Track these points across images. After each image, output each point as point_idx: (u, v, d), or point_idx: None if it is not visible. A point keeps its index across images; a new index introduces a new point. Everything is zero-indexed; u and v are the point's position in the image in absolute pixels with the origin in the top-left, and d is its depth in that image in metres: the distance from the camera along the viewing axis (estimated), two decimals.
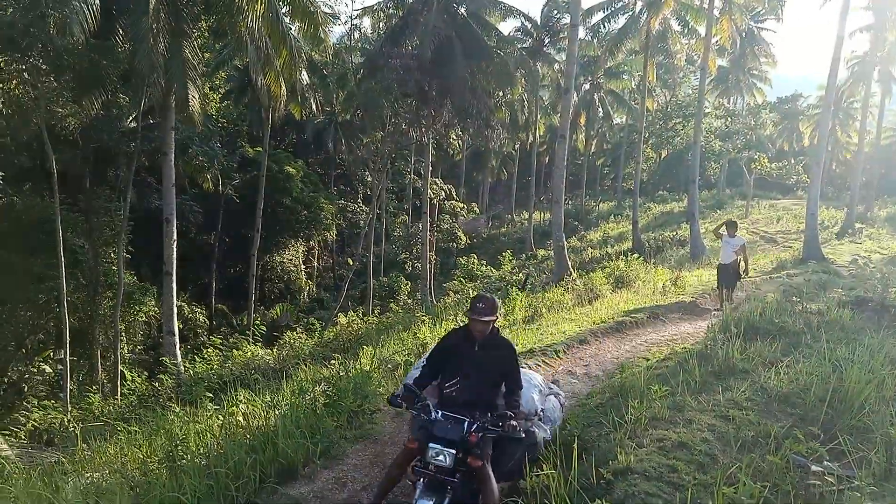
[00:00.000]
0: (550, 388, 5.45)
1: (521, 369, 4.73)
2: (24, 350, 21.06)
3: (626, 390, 6.58)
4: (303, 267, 37.68)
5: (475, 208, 54.91)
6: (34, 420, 10.52)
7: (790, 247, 23.68)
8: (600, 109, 47.17)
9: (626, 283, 17.38)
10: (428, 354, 4.89)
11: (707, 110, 34.56)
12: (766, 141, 49.89)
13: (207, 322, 28.17)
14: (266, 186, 27.66)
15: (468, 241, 43.94)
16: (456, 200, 47.45)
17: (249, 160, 32.02)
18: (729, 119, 36.74)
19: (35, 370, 21.06)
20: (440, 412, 4.21)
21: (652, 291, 16.08)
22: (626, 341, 11.25)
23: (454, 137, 36.07)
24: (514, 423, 4.11)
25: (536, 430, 4.80)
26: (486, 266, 32.65)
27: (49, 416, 11.01)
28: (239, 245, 30.94)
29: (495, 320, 4.52)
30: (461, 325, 4.87)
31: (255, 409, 6.58)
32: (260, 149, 29.37)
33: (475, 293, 5.60)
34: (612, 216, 45.95)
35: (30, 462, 6.67)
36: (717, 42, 28.98)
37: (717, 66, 37.43)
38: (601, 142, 58.27)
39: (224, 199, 28.91)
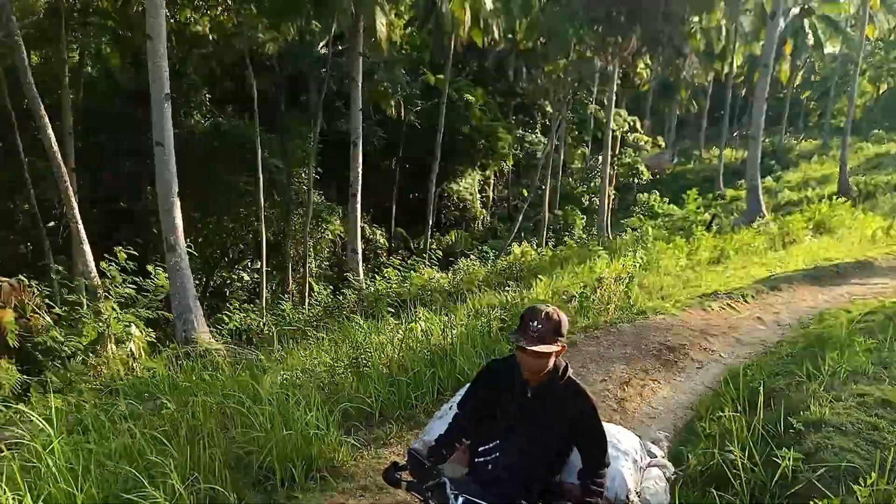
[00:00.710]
0: (651, 455, 3.38)
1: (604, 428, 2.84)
2: (226, 259, 23.44)
3: (823, 341, 6.12)
4: (478, 196, 38.08)
5: (660, 142, 52.18)
6: (235, 321, 11.62)
7: None
8: (810, 37, 42.28)
9: (828, 230, 16.03)
10: (461, 395, 3.15)
11: None
12: None
13: (387, 243, 29.53)
14: (446, 114, 27.92)
15: (651, 177, 42.03)
16: (640, 133, 45.34)
17: (430, 87, 32.40)
18: None
19: (235, 277, 23.42)
20: (462, 497, 2.58)
21: (859, 240, 14.69)
22: (824, 291, 10.43)
23: (642, 67, 34.14)
24: None
25: None
26: (668, 204, 31.20)
27: (248, 318, 12.10)
28: (417, 171, 31.72)
29: (561, 351, 2.69)
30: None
31: (433, 326, 6.74)
32: (441, 76, 29.58)
33: (528, 306, 3.43)
34: (815, 156, 41.95)
35: (234, 356, 7.35)
36: None
37: None
38: (808, 73, 52.67)
39: (405, 125, 29.61)
